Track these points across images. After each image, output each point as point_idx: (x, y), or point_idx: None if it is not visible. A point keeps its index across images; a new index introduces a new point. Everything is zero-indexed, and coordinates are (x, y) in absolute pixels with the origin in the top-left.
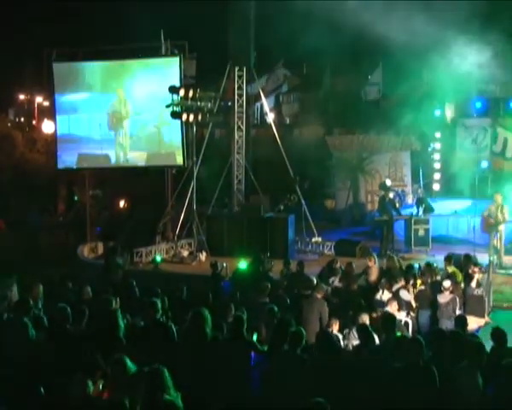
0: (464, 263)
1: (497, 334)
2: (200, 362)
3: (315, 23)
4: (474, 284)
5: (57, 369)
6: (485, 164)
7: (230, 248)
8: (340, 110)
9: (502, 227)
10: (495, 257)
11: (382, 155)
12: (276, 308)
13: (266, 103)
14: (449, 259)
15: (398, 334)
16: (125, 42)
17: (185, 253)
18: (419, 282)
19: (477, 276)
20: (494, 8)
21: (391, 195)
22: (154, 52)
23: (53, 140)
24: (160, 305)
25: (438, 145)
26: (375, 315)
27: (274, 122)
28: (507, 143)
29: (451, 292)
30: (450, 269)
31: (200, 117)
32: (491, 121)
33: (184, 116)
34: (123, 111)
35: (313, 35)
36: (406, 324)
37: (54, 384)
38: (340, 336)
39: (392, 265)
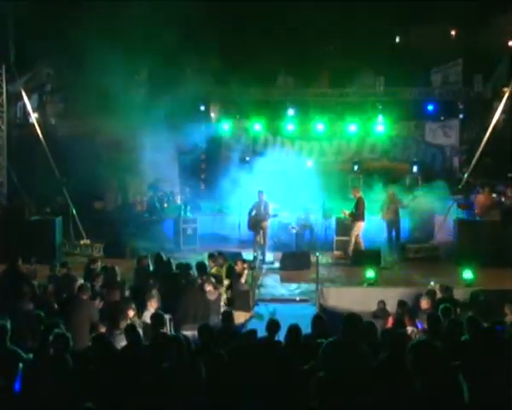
0: (232, 260)
1: (272, 325)
2: None
3: (74, 21)
4: (243, 279)
5: None
6: (248, 163)
7: None
8: (108, 110)
9: (265, 224)
10: (259, 253)
11: (151, 156)
12: (42, 314)
13: (29, 103)
14: (212, 257)
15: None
16: None
17: None
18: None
19: (246, 272)
20: None
21: (159, 195)
22: None
23: None
24: None
25: (203, 145)
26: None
27: (38, 122)
28: (267, 143)
29: (216, 289)
30: (214, 268)
31: None
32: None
33: None
34: None
35: (76, 33)
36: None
37: None
38: None
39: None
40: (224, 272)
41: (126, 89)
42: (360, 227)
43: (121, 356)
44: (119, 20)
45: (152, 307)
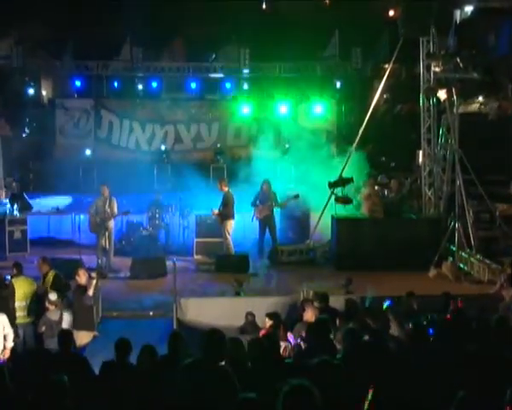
0: (72, 270)
1: (122, 345)
2: None
3: None
4: (90, 292)
5: None
6: (89, 152)
7: None
8: None
9: (110, 224)
10: (103, 259)
11: None
12: None
13: None
14: (16, 266)
15: None
16: None
17: None
18: None
19: (94, 283)
20: None
21: None
22: None
23: None
24: None
25: (33, 130)
26: None
27: None
28: (112, 128)
29: (57, 306)
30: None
31: None
32: (94, 102)
33: None
34: None
35: None
36: None
37: None
38: None
39: None
40: (48, 282)
41: None
42: (232, 225)
43: None
44: None
45: None
